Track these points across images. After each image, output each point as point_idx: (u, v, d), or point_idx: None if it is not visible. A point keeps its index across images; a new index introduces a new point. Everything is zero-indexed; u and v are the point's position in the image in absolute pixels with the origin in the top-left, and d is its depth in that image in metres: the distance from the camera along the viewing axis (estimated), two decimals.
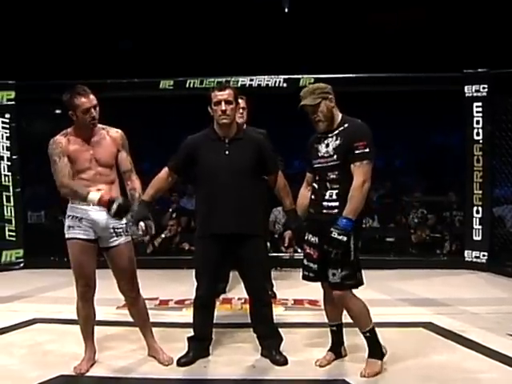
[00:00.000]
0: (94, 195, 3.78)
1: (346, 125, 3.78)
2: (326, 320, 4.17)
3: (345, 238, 3.61)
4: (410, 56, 8.96)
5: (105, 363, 4.12)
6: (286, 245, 4.01)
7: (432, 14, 9.51)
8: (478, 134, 6.87)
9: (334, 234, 3.60)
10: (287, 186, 4.20)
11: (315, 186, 3.91)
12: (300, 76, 7.04)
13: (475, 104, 6.85)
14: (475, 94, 6.85)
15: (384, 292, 6.04)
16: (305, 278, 4.00)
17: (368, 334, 3.91)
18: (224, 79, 6.39)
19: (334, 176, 3.77)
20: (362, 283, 3.87)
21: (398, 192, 11.17)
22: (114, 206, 3.73)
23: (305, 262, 3.98)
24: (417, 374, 3.90)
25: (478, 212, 6.94)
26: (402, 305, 5.57)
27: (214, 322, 4.33)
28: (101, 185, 3.89)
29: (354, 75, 7.09)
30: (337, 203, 3.75)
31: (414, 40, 9.45)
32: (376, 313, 5.09)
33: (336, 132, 3.78)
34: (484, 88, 6.80)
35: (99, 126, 3.95)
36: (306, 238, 3.97)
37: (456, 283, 6.44)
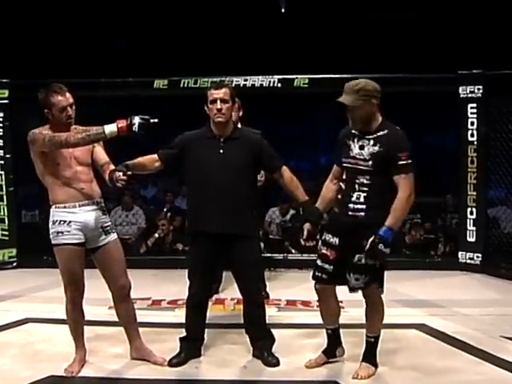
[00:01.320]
0: (110, 127, 3.65)
1: (386, 131, 3.65)
2: (322, 322, 4.14)
3: (388, 250, 3.57)
4: (404, 57, 8.96)
5: (96, 364, 4.10)
6: (304, 237, 3.92)
7: (428, 14, 9.52)
8: (472, 135, 6.85)
9: (381, 247, 3.53)
10: (295, 179, 4.11)
11: (342, 185, 3.86)
12: (294, 76, 7.02)
13: (470, 105, 6.83)
14: (470, 95, 6.83)
15: None
16: (316, 278, 3.90)
17: (372, 340, 3.90)
18: (218, 79, 6.36)
19: (365, 180, 3.67)
20: (383, 287, 3.85)
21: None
22: (136, 125, 3.63)
23: (318, 262, 3.87)
24: (409, 376, 3.90)
25: (471, 213, 6.92)
26: (395, 306, 5.50)
27: (207, 322, 4.31)
28: (82, 183, 3.85)
29: (349, 76, 7.03)
30: (363, 206, 3.67)
31: (410, 41, 9.45)
32: None
33: (374, 136, 3.66)
34: (479, 89, 6.79)
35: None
36: (323, 237, 3.87)
37: (450, 284, 6.42)
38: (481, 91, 6.79)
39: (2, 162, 7.33)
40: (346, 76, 7.00)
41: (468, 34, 8.91)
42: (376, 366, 3.91)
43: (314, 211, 3.94)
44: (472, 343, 4.44)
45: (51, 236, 3.87)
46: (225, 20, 11.30)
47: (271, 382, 3.88)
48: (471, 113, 6.84)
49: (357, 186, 3.69)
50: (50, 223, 3.86)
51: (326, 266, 3.82)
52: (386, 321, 4.87)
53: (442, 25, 9.16)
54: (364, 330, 4.75)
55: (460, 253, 7.06)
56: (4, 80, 7.40)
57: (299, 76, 7.02)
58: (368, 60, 9.05)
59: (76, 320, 4.02)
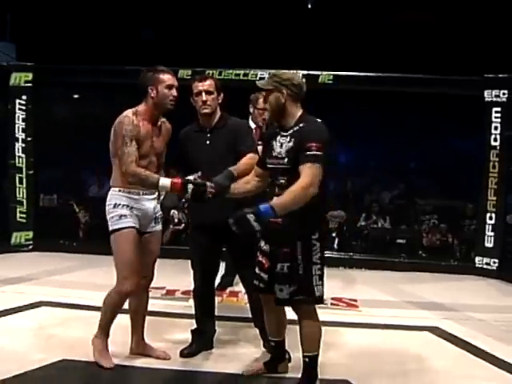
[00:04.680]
0: (165, 181, 3.55)
1: (301, 124, 3.41)
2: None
3: (257, 226, 3.21)
4: (430, 58, 8.90)
5: (111, 351, 4.02)
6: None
7: (455, 16, 9.44)
8: (495, 140, 6.80)
9: (251, 217, 3.20)
10: (249, 167, 3.80)
11: (267, 189, 3.64)
12: (319, 72, 6.99)
13: (494, 109, 6.80)
14: (495, 99, 6.78)
15: (391, 294, 6.03)
16: (255, 287, 3.70)
17: (307, 360, 3.54)
18: (242, 71, 6.36)
19: (283, 181, 3.43)
20: (320, 300, 3.51)
21: (412, 194, 11.11)
22: (189, 190, 3.53)
23: (256, 270, 3.66)
24: (420, 379, 3.86)
25: (491, 218, 6.88)
26: (410, 307, 5.53)
27: (220, 314, 4.32)
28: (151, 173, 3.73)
29: (374, 74, 7.04)
30: None
31: (436, 42, 9.39)
32: (382, 314, 5.20)
33: (290, 132, 3.44)
34: (504, 94, 6.74)
35: None
36: (260, 244, 3.65)
37: (465, 289, 6.39)
38: (506, 95, 6.74)
39: (24, 144, 7.40)
40: (371, 74, 7.05)
41: (495, 38, 8.83)
42: None
43: (224, 181, 3.62)
44: (485, 349, 4.38)
45: (111, 220, 3.73)
46: (252, 13, 11.27)
47: (281, 378, 3.84)
48: (495, 117, 6.80)
49: (276, 189, 3.47)
50: (110, 206, 3.74)
51: (262, 274, 3.62)
52: (398, 322, 4.97)
53: (469, 27, 9.09)
54: (373, 330, 4.80)
55: (477, 258, 7.02)
56: (29, 63, 7.44)
57: (324, 72, 7.00)
58: (395, 59, 8.99)
59: (116, 312, 3.85)
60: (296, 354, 3.82)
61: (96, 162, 10.71)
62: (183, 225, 3.92)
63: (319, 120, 3.48)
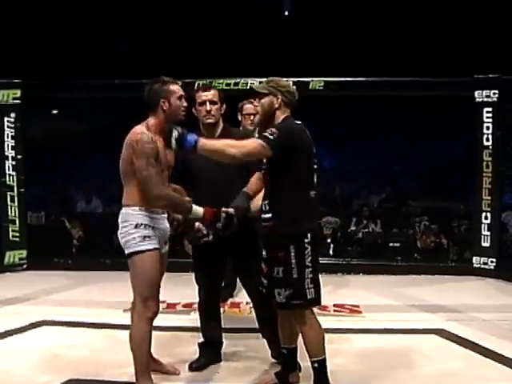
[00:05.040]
0: (197, 208, 3.46)
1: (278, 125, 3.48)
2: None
3: (173, 143, 3.31)
4: (419, 60, 8.93)
5: (114, 370, 4.00)
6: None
7: (445, 17, 9.48)
8: (487, 140, 6.83)
9: (176, 132, 3.31)
10: (262, 184, 3.72)
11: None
12: (310, 79, 6.98)
13: (485, 109, 6.82)
14: (485, 100, 6.81)
15: (392, 298, 6.02)
16: (260, 293, 3.72)
17: (316, 365, 3.52)
18: (233, 81, 6.30)
19: (266, 183, 3.53)
20: (314, 303, 3.50)
21: (401, 197, 11.14)
22: (222, 219, 3.49)
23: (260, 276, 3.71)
24: (431, 382, 3.86)
25: (486, 218, 6.90)
26: (412, 310, 5.52)
27: (225, 326, 4.27)
28: None
29: (365, 79, 7.06)
30: (269, 215, 3.48)
31: (425, 44, 9.42)
32: (386, 318, 5.18)
33: None
34: (494, 94, 6.77)
35: None
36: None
37: (465, 289, 6.39)
38: (496, 95, 6.78)
39: (14, 162, 7.31)
40: (361, 79, 7.06)
41: (485, 38, 8.88)
42: None
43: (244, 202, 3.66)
44: (493, 349, 4.37)
45: (133, 241, 3.49)
46: (228, 22, 11.24)
47: None
48: (487, 117, 6.83)
49: (264, 193, 3.56)
50: (130, 226, 3.49)
51: (263, 279, 3.65)
52: (403, 326, 4.95)
53: (459, 28, 9.13)
54: (380, 335, 4.78)
55: (474, 258, 7.04)
56: (16, 80, 7.36)
57: (315, 79, 7.00)
58: (380, 63, 9.01)
59: (149, 344, 3.62)
60: (306, 364, 3.73)
61: (81, 176, 10.71)
62: (211, 236, 3.77)
63: (299, 122, 3.52)
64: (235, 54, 10.75)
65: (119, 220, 3.56)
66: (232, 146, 3.35)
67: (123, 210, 3.56)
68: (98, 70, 9.28)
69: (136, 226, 3.49)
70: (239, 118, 5.42)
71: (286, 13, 12.10)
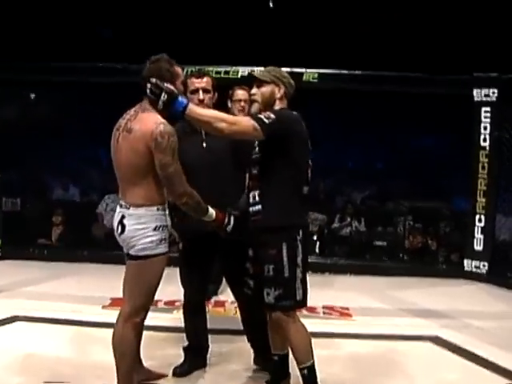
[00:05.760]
0: (211, 210, 3.22)
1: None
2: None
3: (160, 104, 3.02)
4: (419, 56, 8.74)
5: (94, 372, 3.74)
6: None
7: (444, 14, 9.32)
8: (484, 140, 6.66)
9: (164, 93, 3.01)
10: None
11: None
12: (303, 70, 6.77)
13: (484, 109, 6.66)
14: (484, 99, 6.65)
15: (382, 300, 5.86)
16: (245, 295, 3.58)
17: (305, 372, 3.33)
18: (223, 69, 6.10)
19: (256, 172, 3.35)
20: (301, 304, 3.34)
21: (385, 195, 10.96)
22: (231, 222, 3.31)
23: (245, 278, 3.55)
24: None
25: (480, 221, 6.73)
26: (404, 315, 5.35)
27: (210, 327, 4.03)
28: None
29: (361, 72, 6.87)
30: (259, 206, 3.30)
31: (425, 40, 9.25)
32: (378, 323, 5.02)
33: None
34: (494, 92, 6.61)
35: None
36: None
37: (457, 294, 6.22)
38: (495, 95, 6.62)
39: None
40: (357, 72, 6.86)
41: (485, 36, 8.73)
42: None
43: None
44: (489, 358, 4.21)
45: (149, 244, 3.13)
46: (222, 7, 10.99)
47: None
48: (485, 117, 6.66)
49: (251, 183, 3.39)
50: (149, 228, 3.13)
51: (248, 280, 3.50)
52: (397, 332, 4.80)
53: (458, 25, 8.98)
54: (372, 341, 4.58)
55: (466, 261, 6.88)
56: None
57: (309, 70, 6.79)
58: (381, 58, 8.81)
59: (136, 352, 3.40)
60: (296, 373, 3.48)
61: (57, 163, 10.40)
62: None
63: (294, 112, 3.39)
64: (225, 42, 10.48)
65: (129, 221, 3.15)
66: (223, 120, 3.13)
67: (135, 211, 3.14)
68: (80, 55, 8.99)
69: (155, 229, 3.14)
70: (229, 104, 5.14)
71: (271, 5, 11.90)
